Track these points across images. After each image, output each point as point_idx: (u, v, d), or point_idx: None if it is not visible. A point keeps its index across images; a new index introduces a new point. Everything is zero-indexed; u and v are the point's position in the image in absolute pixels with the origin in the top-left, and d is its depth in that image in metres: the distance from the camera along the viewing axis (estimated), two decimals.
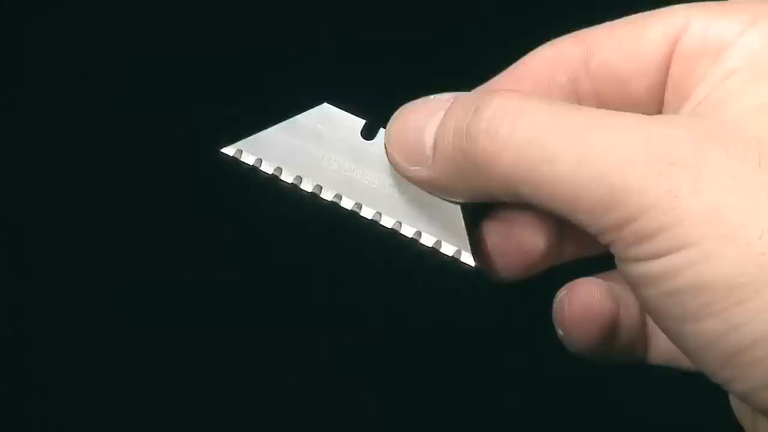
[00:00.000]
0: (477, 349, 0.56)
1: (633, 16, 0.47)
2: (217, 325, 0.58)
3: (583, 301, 0.47)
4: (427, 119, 0.43)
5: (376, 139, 0.46)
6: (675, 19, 0.45)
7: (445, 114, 0.43)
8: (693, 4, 0.45)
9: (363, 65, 0.60)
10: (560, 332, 0.49)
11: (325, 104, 0.47)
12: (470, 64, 0.43)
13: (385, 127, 0.46)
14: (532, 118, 0.39)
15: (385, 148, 0.45)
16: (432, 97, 0.45)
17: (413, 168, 0.44)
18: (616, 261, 0.39)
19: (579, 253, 0.49)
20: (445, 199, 0.45)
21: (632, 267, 0.38)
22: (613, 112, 0.40)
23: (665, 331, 0.39)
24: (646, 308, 0.39)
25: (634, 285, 0.39)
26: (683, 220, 0.35)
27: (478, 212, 0.47)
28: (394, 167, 0.45)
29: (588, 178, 0.37)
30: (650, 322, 0.50)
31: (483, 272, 0.48)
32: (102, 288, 0.58)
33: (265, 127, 0.47)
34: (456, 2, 0.62)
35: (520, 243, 0.47)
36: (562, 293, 0.48)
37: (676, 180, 0.36)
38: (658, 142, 0.37)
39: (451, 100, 0.43)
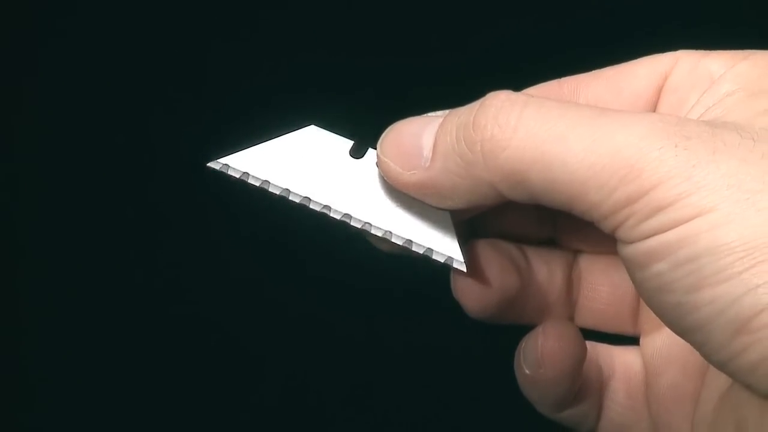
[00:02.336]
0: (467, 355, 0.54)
1: (619, 64, 0.48)
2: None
3: (559, 335, 0.47)
4: (424, 125, 0.43)
5: (364, 158, 0.46)
6: (663, 58, 0.46)
7: (446, 116, 0.43)
8: (681, 50, 0.47)
9: (352, 88, 0.61)
10: (526, 372, 0.48)
11: (312, 126, 0.47)
12: (459, 99, 0.42)
13: (373, 148, 0.45)
14: (542, 106, 0.40)
15: (377, 158, 0.44)
16: (425, 115, 0.45)
17: (409, 172, 0.43)
18: (621, 247, 0.39)
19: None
20: (434, 208, 0.44)
21: (643, 244, 0.37)
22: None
23: (673, 308, 0.37)
24: (651, 290, 0.38)
25: (642, 264, 0.38)
26: (702, 186, 0.35)
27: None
28: (387, 176, 0.44)
29: (603, 153, 0.37)
30: (607, 392, 0.50)
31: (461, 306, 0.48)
32: (95, 292, 0.57)
33: (252, 145, 0.46)
34: (448, 37, 0.63)
35: (495, 276, 0.47)
36: (533, 332, 0.48)
37: (693, 152, 0.36)
38: (672, 120, 0.38)
39: (447, 113, 0.43)
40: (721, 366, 0.37)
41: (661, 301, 0.38)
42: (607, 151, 0.37)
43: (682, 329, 0.38)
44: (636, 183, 0.37)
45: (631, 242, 0.38)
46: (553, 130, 0.39)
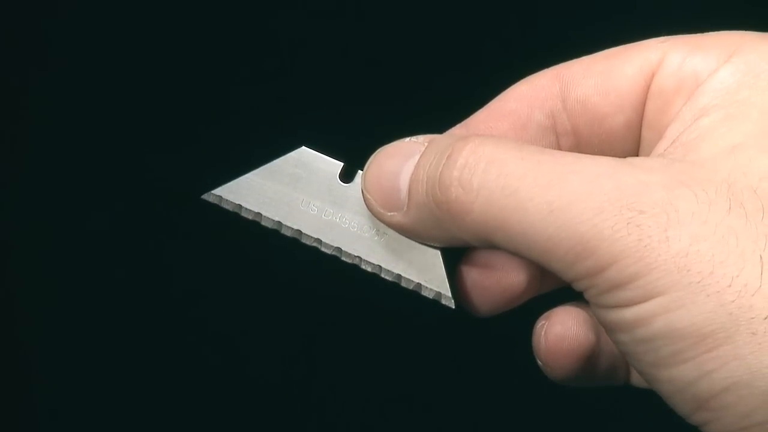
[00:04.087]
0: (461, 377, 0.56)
1: (610, 50, 0.46)
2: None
3: (558, 334, 0.47)
4: (401, 164, 0.43)
5: (354, 181, 0.46)
6: (651, 54, 0.45)
7: (419, 160, 0.43)
8: (670, 37, 0.45)
9: (340, 106, 0.60)
10: (539, 363, 0.48)
11: (303, 148, 0.47)
12: (448, 102, 0.42)
13: (362, 168, 0.46)
14: (504, 166, 0.39)
15: (362, 193, 0.45)
16: (407, 139, 0.45)
17: (389, 214, 0.44)
18: (591, 307, 0.39)
19: (559, 284, 0.49)
20: (423, 243, 0.45)
21: (606, 313, 0.38)
22: (584, 156, 0.40)
23: (640, 374, 0.39)
24: (621, 352, 0.39)
25: (608, 330, 0.39)
26: (653, 269, 0.35)
27: (458, 249, 0.47)
28: (371, 211, 0.45)
29: (559, 227, 0.37)
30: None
31: (464, 307, 0.48)
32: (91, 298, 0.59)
33: (245, 172, 0.47)
34: (432, 43, 0.62)
35: (500, 279, 0.47)
36: (539, 324, 0.48)
37: (645, 228, 0.36)
38: (628, 189, 0.37)
39: (426, 143, 0.43)
40: (696, 426, 0.38)
41: (630, 363, 0.39)
42: (562, 224, 0.37)
43: (654, 390, 0.39)
44: (591, 260, 0.37)
45: (596, 307, 0.39)
46: (512, 197, 0.38)
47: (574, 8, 0.61)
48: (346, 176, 0.47)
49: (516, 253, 0.40)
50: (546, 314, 0.49)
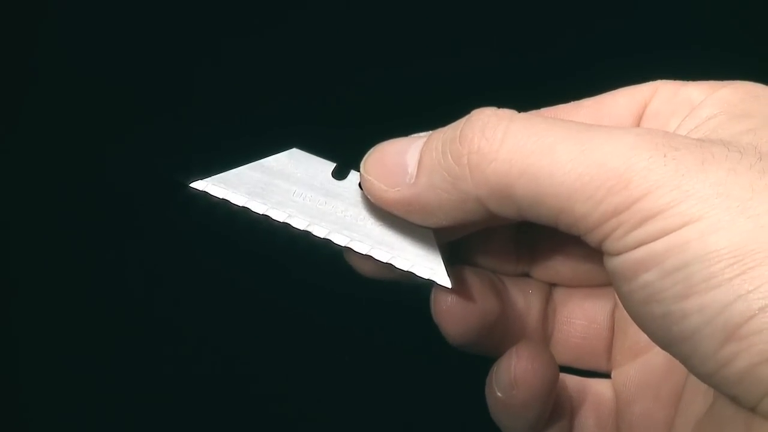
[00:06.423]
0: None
1: (599, 95, 0.48)
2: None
3: (531, 356, 0.47)
4: (409, 144, 0.43)
5: (347, 179, 0.46)
6: (643, 88, 0.47)
7: (431, 134, 0.43)
8: (660, 80, 0.47)
9: (335, 112, 0.61)
10: (499, 395, 0.47)
11: (294, 149, 0.47)
12: (440, 123, 0.43)
13: (356, 170, 0.45)
14: (529, 120, 0.40)
15: (361, 176, 0.44)
16: (409, 135, 0.45)
17: (393, 189, 0.43)
18: (607, 260, 0.39)
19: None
20: (417, 226, 0.44)
21: (630, 255, 0.37)
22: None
23: (660, 319, 0.37)
24: (638, 301, 0.38)
25: (629, 276, 0.38)
26: (691, 195, 0.36)
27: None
28: (370, 194, 0.44)
29: (590, 163, 0.37)
30: (577, 420, 0.49)
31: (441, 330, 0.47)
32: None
33: (235, 167, 0.47)
34: (428, 63, 0.64)
35: (479, 298, 0.47)
36: (507, 353, 0.47)
37: (682, 161, 0.36)
38: (660, 133, 0.38)
39: (430, 133, 0.44)
40: (708, 377, 0.36)
41: (647, 313, 0.38)
42: (595, 162, 0.37)
43: (668, 341, 0.37)
44: (624, 193, 0.37)
45: (618, 254, 0.38)
46: (540, 142, 0.39)
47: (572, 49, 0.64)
48: (339, 175, 0.46)
49: (534, 206, 0.39)
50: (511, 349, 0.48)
